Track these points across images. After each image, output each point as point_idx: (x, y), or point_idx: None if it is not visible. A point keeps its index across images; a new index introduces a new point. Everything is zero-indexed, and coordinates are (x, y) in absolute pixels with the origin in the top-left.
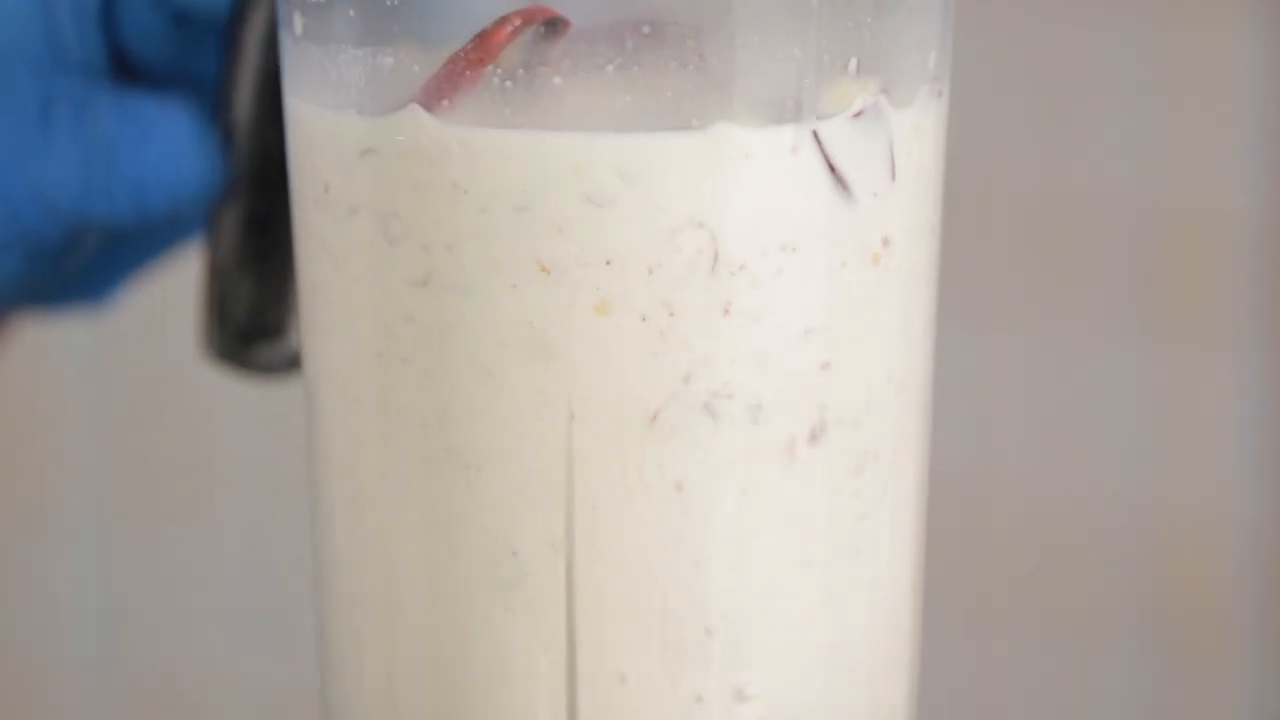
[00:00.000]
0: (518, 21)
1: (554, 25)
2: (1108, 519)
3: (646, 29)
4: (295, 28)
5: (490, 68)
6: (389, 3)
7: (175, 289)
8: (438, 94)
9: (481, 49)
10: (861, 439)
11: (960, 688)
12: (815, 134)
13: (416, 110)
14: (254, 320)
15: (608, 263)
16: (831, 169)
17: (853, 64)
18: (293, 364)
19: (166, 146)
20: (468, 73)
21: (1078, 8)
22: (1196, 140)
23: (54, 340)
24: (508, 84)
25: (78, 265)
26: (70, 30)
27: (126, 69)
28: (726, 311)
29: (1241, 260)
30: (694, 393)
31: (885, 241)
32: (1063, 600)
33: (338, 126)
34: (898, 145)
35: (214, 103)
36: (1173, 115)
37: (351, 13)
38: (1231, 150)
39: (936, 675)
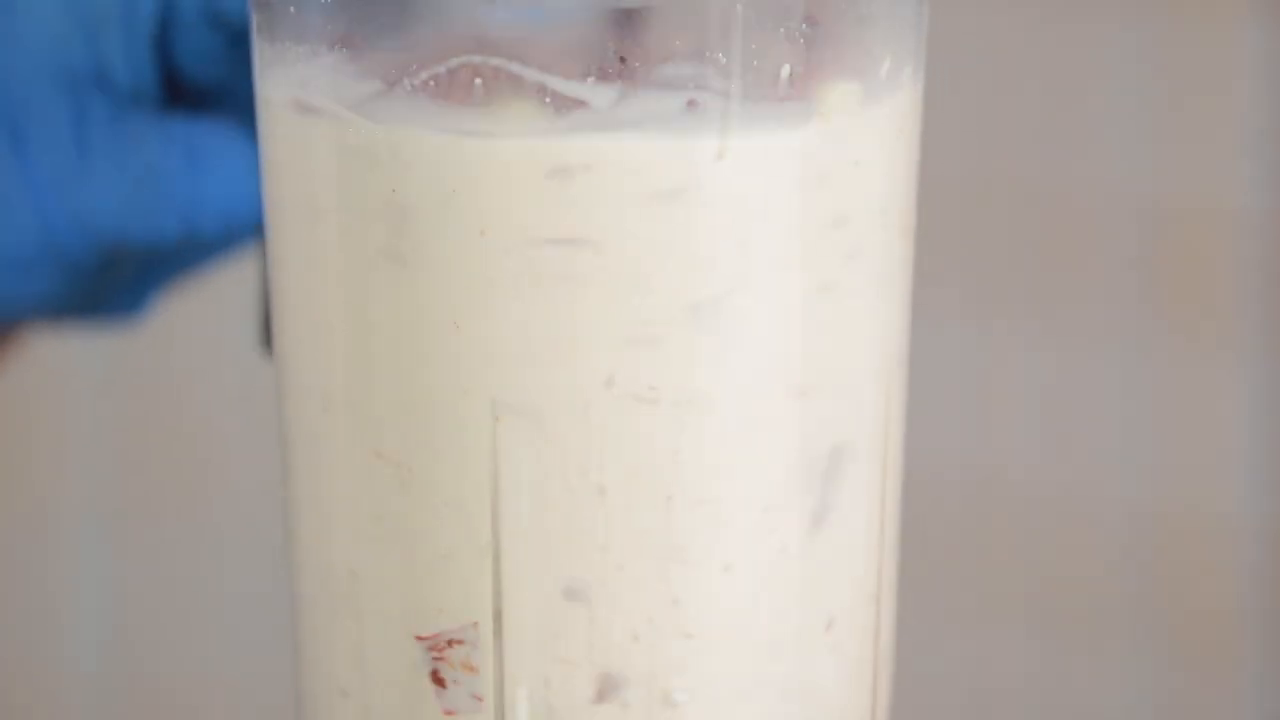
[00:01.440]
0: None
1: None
2: (1110, 519)
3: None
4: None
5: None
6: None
7: (179, 291)
8: None
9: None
10: None
11: (961, 688)
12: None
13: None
14: None
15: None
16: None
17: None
18: None
19: (221, 172)
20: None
21: (1079, 6)
22: (1199, 139)
23: (57, 343)
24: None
25: (115, 282)
26: (118, 53)
27: (179, 89)
28: None
29: (1244, 260)
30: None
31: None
32: (1065, 601)
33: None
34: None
35: None
36: (1175, 115)
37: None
38: (1234, 149)
39: (936, 676)
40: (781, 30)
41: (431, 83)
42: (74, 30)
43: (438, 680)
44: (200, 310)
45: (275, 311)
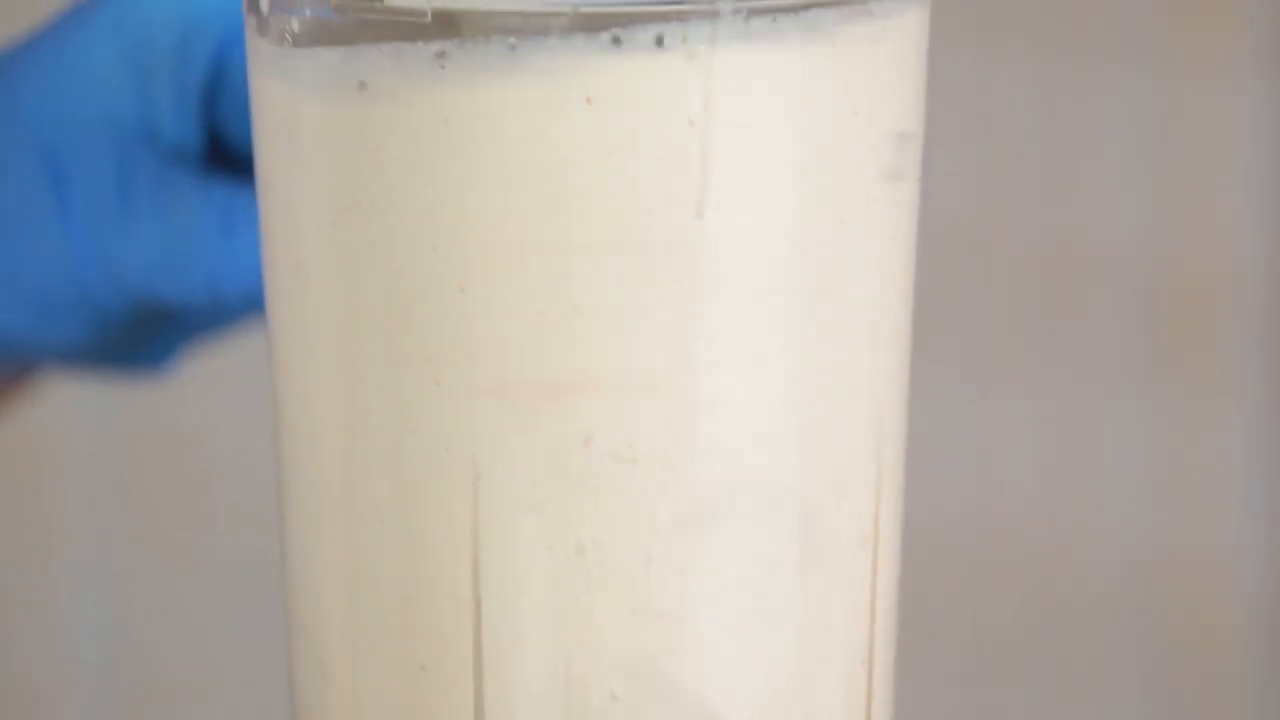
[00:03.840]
0: None
1: None
2: (1113, 570)
3: None
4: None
5: None
6: None
7: (205, 349)
8: None
9: None
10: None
11: None
12: None
13: None
14: None
15: None
16: None
17: None
18: None
19: (250, 241)
20: None
21: (1079, 61)
22: (1199, 192)
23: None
24: None
25: (144, 335)
26: (168, 107)
27: (221, 152)
28: None
29: (1245, 312)
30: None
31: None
32: (1067, 650)
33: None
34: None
35: None
36: (1175, 167)
37: None
38: (1234, 202)
39: None
40: None
41: None
42: (126, 81)
43: None
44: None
45: (271, 364)
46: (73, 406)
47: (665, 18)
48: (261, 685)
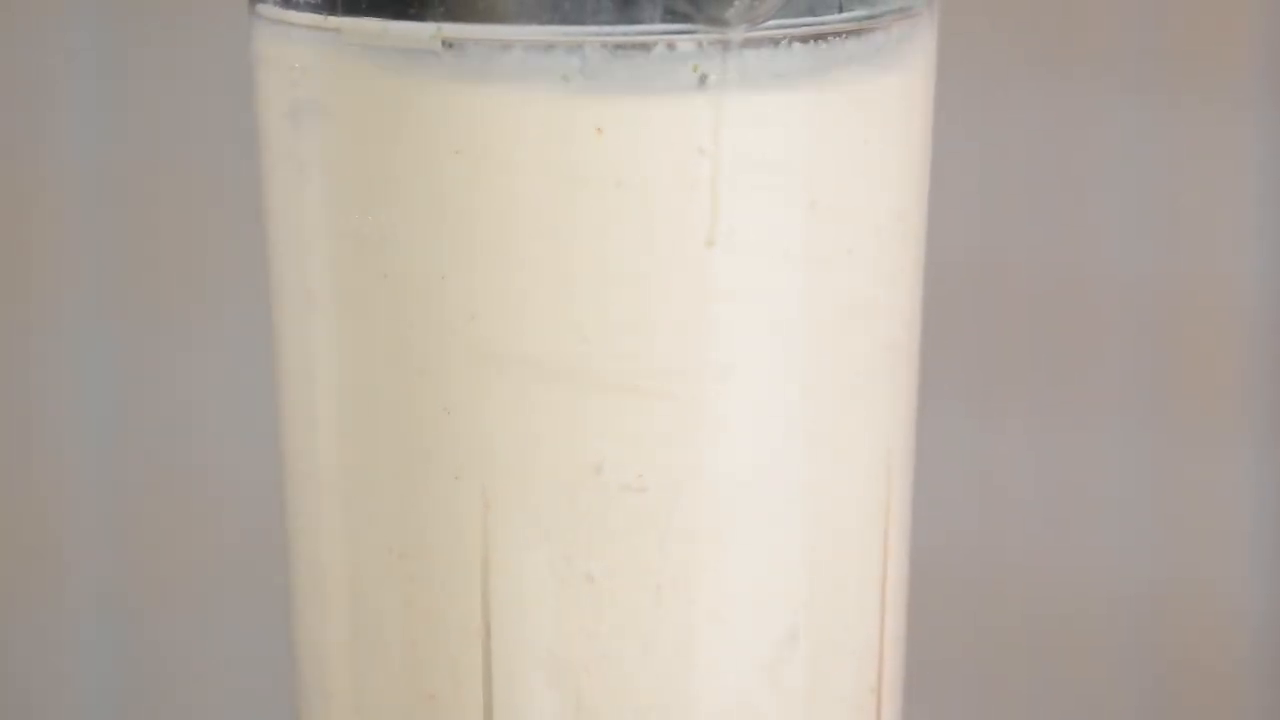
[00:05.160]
0: None
1: None
2: (1114, 605)
3: None
4: None
5: None
6: None
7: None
8: None
9: None
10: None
11: None
12: None
13: None
14: None
15: None
16: None
17: None
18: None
19: None
20: None
21: (1083, 88)
22: (1205, 222)
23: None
24: None
25: None
26: None
27: None
28: None
29: (1250, 343)
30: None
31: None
32: (1069, 682)
33: None
34: None
35: None
36: (1178, 198)
37: None
38: (1241, 232)
39: None
40: None
41: None
42: None
43: None
44: (213, 355)
45: (275, 390)
46: (74, 406)
47: (676, 45)
48: (264, 697)
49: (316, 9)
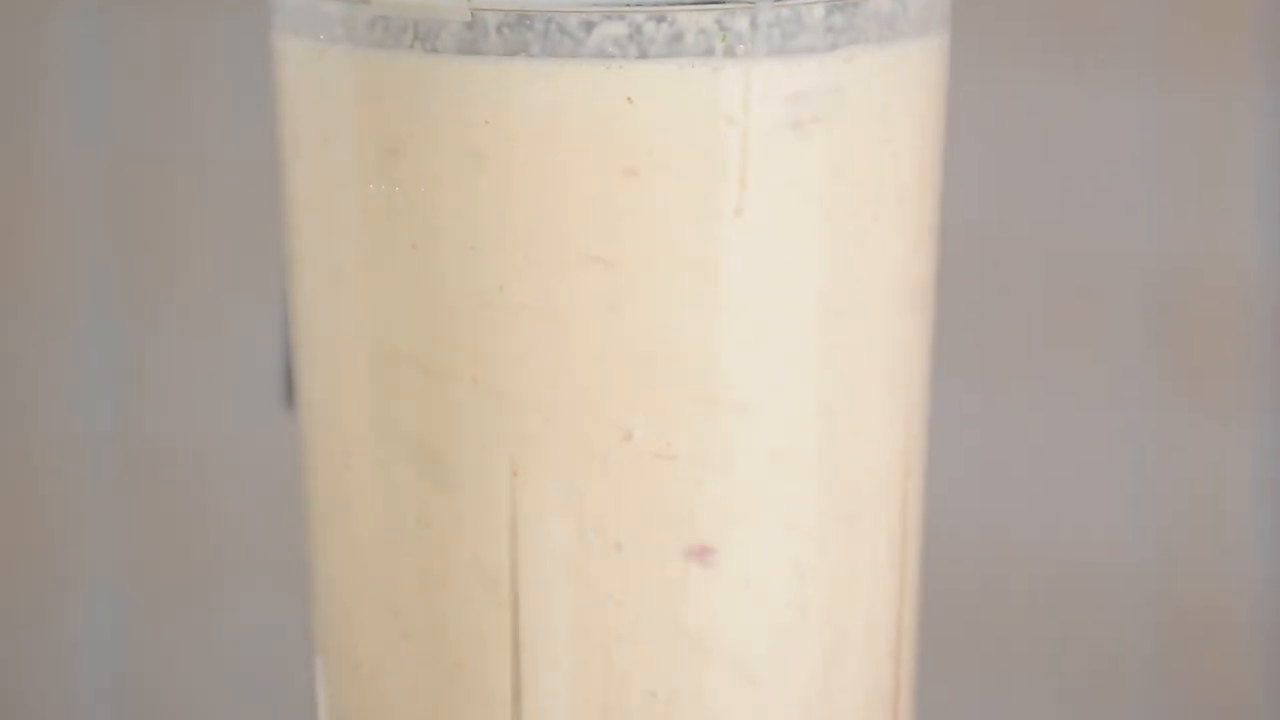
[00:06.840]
0: None
1: None
2: (1120, 580)
3: None
4: None
5: None
6: None
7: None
8: None
9: None
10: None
11: None
12: None
13: None
14: None
15: None
16: None
17: None
18: None
19: None
20: None
21: (1087, 69)
22: (1211, 204)
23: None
24: None
25: None
26: None
27: None
28: None
29: (1257, 324)
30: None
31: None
32: (1075, 660)
33: None
34: None
35: None
36: (1186, 177)
37: None
38: (1246, 215)
39: None
40: None
41: None
42: None
43: None
44: (219, 367)
45: (298, 365)
46: (74, 407)
47: (706, 15)
48: (274, 688)
49: None
